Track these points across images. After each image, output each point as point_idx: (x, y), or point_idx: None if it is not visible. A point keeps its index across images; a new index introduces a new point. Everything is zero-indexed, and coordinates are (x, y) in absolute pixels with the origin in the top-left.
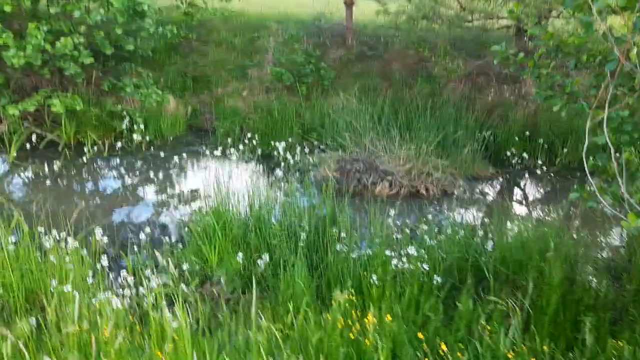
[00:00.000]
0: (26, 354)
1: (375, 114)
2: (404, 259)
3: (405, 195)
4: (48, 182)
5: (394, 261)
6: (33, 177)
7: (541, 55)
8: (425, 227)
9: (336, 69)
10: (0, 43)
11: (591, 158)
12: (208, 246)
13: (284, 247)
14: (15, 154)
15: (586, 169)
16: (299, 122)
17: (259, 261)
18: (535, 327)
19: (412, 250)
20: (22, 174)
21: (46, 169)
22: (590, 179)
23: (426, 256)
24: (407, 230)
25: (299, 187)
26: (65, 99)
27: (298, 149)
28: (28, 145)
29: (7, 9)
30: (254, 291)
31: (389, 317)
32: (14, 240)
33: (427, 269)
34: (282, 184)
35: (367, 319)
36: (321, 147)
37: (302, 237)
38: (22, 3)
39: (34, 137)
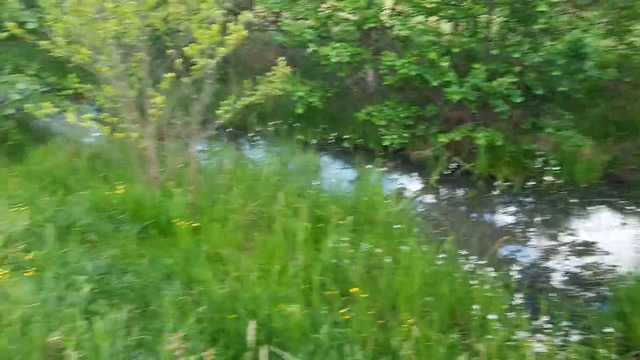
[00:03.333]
0: None
1: None
2: None
3: None
4: (462, 208)
5: None
6: (448, 201)
7: None
8: None
9: None
10: (442, 80)
11: None
12: (635, 314)
13: None
14: (435, 178)
15: None
16: None
17: None
18: None
19: None
20: (439, 197)
21: (459, 195)
22: None
23: None
24: None
25: None
26: (488, 133)
27: None
28: (445, 172)
29: (455, 51)
30: None
31: None
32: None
33: None
34: None
35: None
36: None
37: None
38: (466, 45)
39: (450, 165)
